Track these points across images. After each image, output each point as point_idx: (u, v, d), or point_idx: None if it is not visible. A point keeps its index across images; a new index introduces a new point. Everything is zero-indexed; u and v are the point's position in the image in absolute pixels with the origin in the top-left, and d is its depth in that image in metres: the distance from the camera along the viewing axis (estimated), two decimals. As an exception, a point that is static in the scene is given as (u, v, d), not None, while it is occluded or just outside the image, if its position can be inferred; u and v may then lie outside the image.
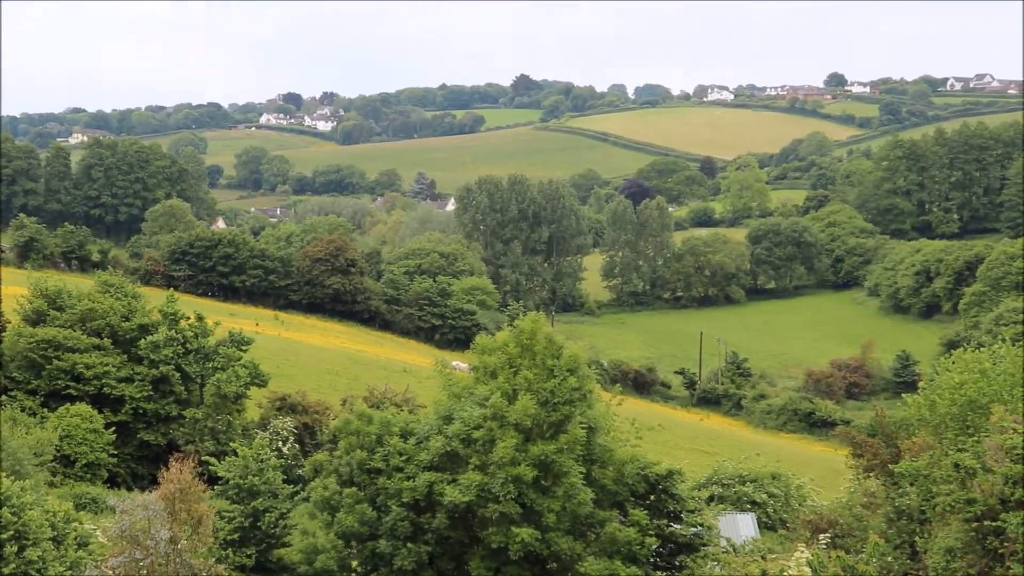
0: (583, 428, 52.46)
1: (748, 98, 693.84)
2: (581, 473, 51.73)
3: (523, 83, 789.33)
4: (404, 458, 53.77)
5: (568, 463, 51.33)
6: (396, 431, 55.03)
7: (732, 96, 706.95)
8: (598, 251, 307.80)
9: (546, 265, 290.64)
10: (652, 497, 55.08)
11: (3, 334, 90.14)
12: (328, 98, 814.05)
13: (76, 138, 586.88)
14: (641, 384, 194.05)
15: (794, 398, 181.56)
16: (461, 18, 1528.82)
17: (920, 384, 68.34)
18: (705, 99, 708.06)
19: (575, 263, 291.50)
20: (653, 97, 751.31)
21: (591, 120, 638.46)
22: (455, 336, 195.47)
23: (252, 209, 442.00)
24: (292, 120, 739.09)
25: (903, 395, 68.85)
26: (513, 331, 56.02)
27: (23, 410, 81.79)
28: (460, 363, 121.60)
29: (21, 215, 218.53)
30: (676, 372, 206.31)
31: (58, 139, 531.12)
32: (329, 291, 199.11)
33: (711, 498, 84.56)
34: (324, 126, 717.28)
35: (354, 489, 53.87)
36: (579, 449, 52.07)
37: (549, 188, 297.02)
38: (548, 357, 53.96)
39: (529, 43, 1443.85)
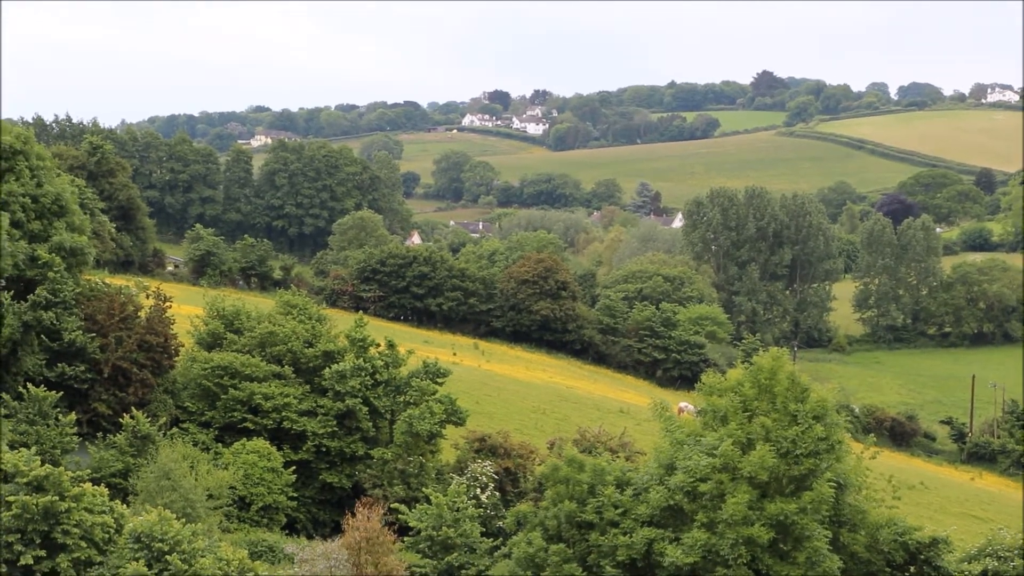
0: (830, 485, 51.70)
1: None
2: (827, 537, 51.01)
3: (765, 81, 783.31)
4: (620, 511, 53.83)
5: (812, 525, 50.65)
6: (611, 480, 55.15)
7: (1017, 97, 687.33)
8: (850, 277, 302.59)
9: (788, 292, 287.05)
10: (912, 569, 53.98)
11: (176, 359, 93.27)
12: (540, 97, 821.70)
13: (259, 139, 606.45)
14: (899, 435, 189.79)
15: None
16: (694, 7, 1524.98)
17: None
18: (984, 100, 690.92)
19: (822, 291, 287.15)
20: (920, 98, 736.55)
21: (844, 124, 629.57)
22: (680, 373, 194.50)
23: (451, 223, 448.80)
24: (498, 122, 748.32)
25: None
26: (749, 369, 55.60)
27: (195, 444, 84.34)
28: (686, 404, 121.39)
29: (198, 226, 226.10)
30: (942, 422, 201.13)
31: (239, 141, 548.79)
32: (536, 318, 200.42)
33: (984, 573, 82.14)
34: (534, 129, 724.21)
35: (562, 545, 54.17)
36: (825, 509, 51.36)
37: (793, 203, 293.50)
38: (790, 401, 53.38)
39: (773, 35, 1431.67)
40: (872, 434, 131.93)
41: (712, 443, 52.90)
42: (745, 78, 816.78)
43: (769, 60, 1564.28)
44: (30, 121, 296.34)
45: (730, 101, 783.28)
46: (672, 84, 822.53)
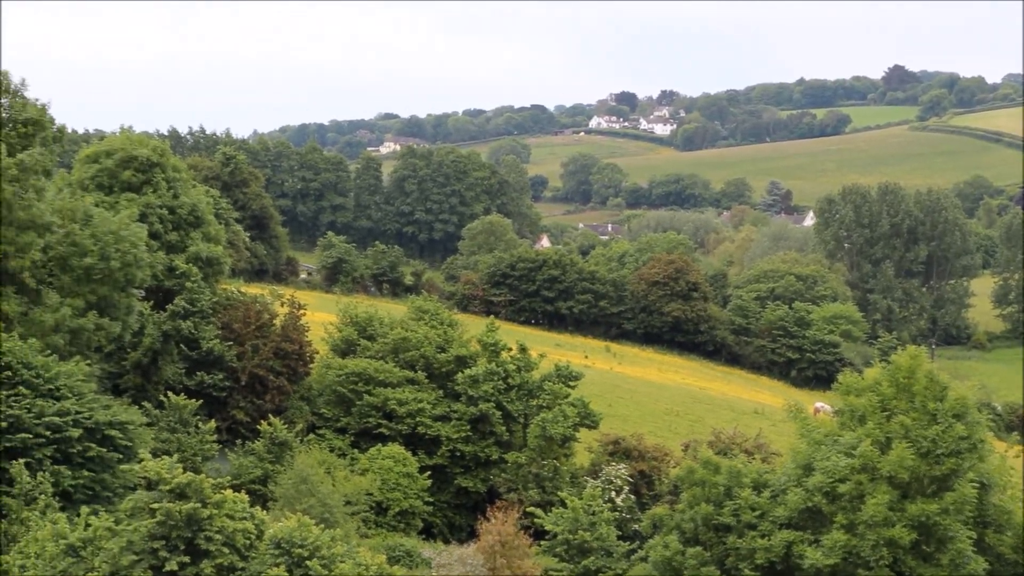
0: (973, 485, 50.90)
1: None
2: (971, 538, 50.24)
3: (896, 75, 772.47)
4: (757, 513, 53.51)
5: (955, 526, 49.94)
6: (747, 482, 54.86)
7: None
8: (988, 273, 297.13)
9: (924, 290, 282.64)
10: (1061, 570, 52.96)
11: (311, 366, 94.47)
12: (667, 97, 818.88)
13: (388, 146, 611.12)
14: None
15: None
16: (822, 2, 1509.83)
17: None
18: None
19: (960, 287, 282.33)
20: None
21: (980, 117, 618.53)
22: (815, 372, 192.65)
23: (580, 225, 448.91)
24: (625, 123, 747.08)
25: None
26: (886, 368, 55.01)
27: (331, 450, 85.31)
28: (822, 404, 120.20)
29: (329, 233, 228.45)
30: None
31: (368, 148, 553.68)
32: (668, 319, 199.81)
33: None
34: (662, 129, 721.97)
35: (699, 548, 53.99)
36: (969, 510, 50.60)
37: (928, 199, 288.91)
38: (929, 399, 52.69)
39: (904, 28, 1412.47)
40: (1016, 433, 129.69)
41: (850, 443, 52.35)
42: (876, 73, 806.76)
43: (900, 54, 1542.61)
44: (165, 134, 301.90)
45: (861, 97, 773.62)
46: (801, 81, 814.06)
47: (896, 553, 49.56)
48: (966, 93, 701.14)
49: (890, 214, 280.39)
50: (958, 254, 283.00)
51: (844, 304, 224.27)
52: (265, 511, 55.86)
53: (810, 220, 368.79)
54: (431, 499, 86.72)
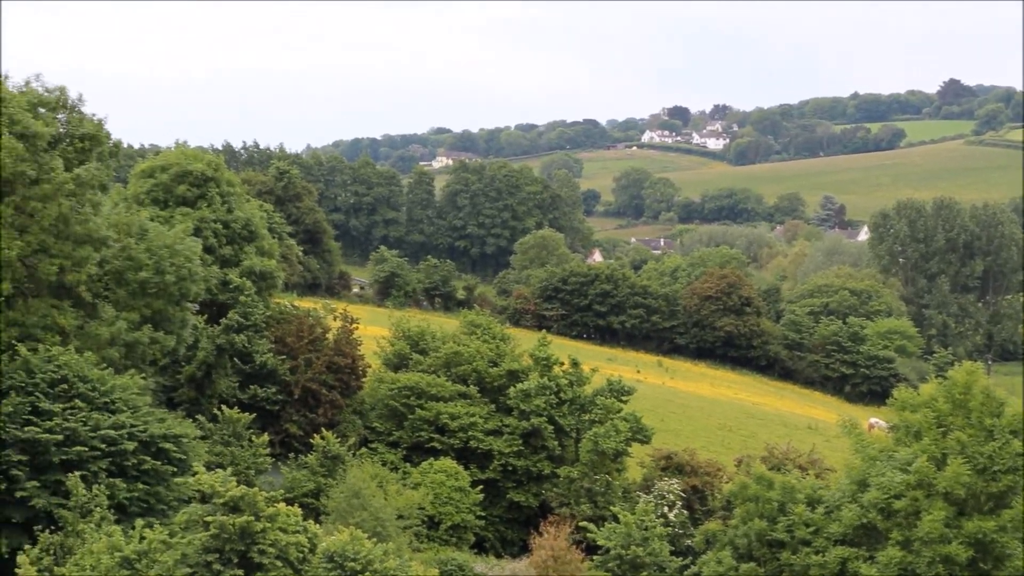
0: (1031, 502, 50.49)
1: None
2: (1029, 557, 49.78)
3: (952, 89, 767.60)
4: (811, 529, 53.23)
5: (1013, 544, 49.50)
6: (801, 498, 54.59)
7: None
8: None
9: (980, 305, 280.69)
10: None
11: (363, 380, 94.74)
12: (719, 112, 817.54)
13: (440, 161, 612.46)
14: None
15: None
16: (875, 17, 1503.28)
17: None
18: None
19: (1016, 302, 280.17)
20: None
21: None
22: (869, 388, 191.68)
23: (632, 240, 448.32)
24: (678, 138, 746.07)
25: None
26: (942, 384, 54.66)
27: (384, 464, 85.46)
28: (877, 420, 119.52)
29: (382, 248, 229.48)
30: None
31: (421, 162, 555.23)
32: (720, 334, 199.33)
33: None
34: (714, 144, 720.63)
35: (753, 564, 53.76)
36: (1027, 528, 50.16)
37: (984, 213, 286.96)
38: (986, 415, 52.31)
39: (959, 41, 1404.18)
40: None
41: (906, 459, 52.03)
42: (931, 87, 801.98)
43: (955, 68, 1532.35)
44: (220, 148, 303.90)
45: (916, 111, 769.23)
46: (855, 95, 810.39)
47: (952, 570, 49.19)
48: (1023, 107, 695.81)
49: (945, 229, 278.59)
50: (1014, 269, 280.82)
51: (899, 319, 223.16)
52: (318, 525, 56.02)
53: (864, 235, 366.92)
54: (483, 513, 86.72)
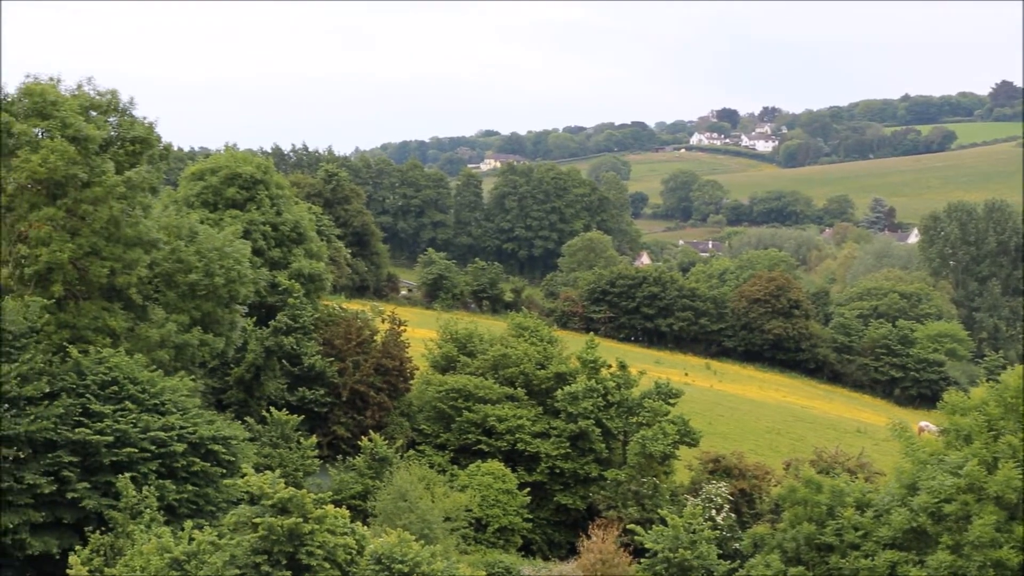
0: (1084, 507, 50.07)
1: None
2: (1080, 561, 49.34)
3: (1004, 91, 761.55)
4: (860, 533, 52.97)
5: (1064, 549, 49.10)
6: (850, 502, 54.32)
7: None
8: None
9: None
10: None
11: (411, 382, 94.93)
12: (769, 114, 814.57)
13: (488, 163, 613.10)
14: None
15: None
16: (925, 17, 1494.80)
17: None
18: None
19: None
20: None
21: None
22: (919, 391, 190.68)
23: (680, 242, 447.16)
24: (727, 140, 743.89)
25: None
26: (993, 387, 54.26)
27: (431, 466, 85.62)
28: (927, 423, 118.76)
29: (430, 250, 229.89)
30: None
31: (469, 165, 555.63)
32: (769, 337, 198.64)
33: None
34: (763, 146, 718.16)
35: (802, 568, 53.55)
36: (1078, 532, 49.72)
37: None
38: (1038, 419, 51.89)
39: (1012, 42, 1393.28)
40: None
41: (956, 463, 51.70)
42: (983, 89, 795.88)
43: (1008, 69, 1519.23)
44: (268, 151, 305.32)
45: (967, 113, 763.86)
46: (906, 97, 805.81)
47: (1003, 575, 48.83)
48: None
49: (997, 231, 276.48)
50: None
51: (949, 322, 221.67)
52: (365, 527, 56.21)
53: (914, 237, 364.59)
54: (530, 516, 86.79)
